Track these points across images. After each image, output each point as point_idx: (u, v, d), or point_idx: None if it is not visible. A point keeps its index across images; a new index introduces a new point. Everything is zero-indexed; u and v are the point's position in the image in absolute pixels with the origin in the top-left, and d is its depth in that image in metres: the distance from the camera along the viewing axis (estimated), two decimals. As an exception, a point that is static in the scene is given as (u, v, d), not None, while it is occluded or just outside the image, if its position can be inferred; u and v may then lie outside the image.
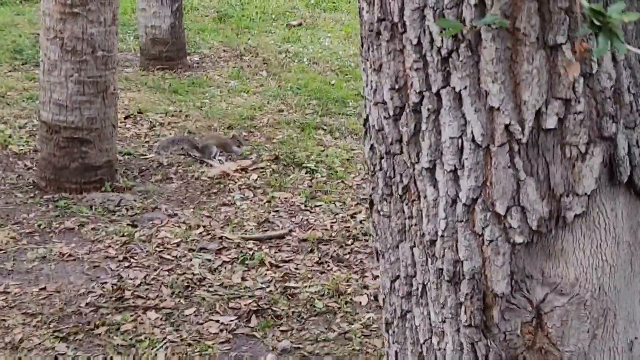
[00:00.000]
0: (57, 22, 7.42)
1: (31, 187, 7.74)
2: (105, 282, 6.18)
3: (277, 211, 7.42)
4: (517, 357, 2.72)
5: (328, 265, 6.54)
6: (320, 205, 7.51)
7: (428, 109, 2.66)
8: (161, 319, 5.78)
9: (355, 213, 7.36)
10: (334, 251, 6.73)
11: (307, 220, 7.25)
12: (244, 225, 7.11)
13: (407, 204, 2.82)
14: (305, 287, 6.19)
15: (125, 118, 9.40)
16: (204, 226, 7.05)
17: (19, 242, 6.69)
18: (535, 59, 2.50)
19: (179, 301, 5.98)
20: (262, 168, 8.25)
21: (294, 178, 8.05)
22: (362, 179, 8.09)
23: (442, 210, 2.71)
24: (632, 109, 2.61)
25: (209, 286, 6.17)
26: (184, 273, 6.33)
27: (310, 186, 7.90)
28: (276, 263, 6.52)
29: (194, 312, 5.87)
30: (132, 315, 5.78)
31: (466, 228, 2.67)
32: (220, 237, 6.89)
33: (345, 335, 5.72)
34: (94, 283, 6.17)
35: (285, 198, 7.66)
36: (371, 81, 2.82)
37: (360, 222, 7.19)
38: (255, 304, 5.95)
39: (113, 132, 7.84)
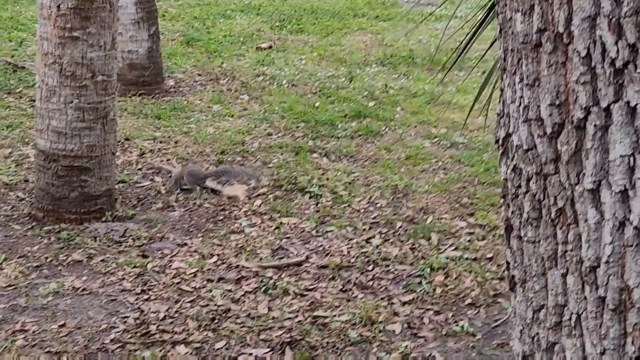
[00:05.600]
0: (56, 47, 7.12)
1: (28, 218, 7.40)
2: (127, 317, 5.90)
3: (288, 237, 7.19)
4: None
5: (353, 293, 6.31)
6: (332, 231, 7.28)
7: (595, 125, 2.47)
8: (192, 353, 5.52)
9: (369, 238, 7.14)
10: (356, 278, 6.51)
11: (321, 246, 7.02)
12: (258, 253, 6.87)
13: (560, 228, 2.63)
14: (335, 316, 5.97)
15: (113, 145, 9.09)
16: (217, 255, 6.80)
17: (28, 276, 6.39)
18: None
19: (207, 334, 5.72)
20: (264, 194, 8.01)
21: (299, 203, 7.82)
22: (368, 203, 7.89)
23: (607, 234, 2.51)
24: None
25: (236, 317, 5.92)
26: (207, 305, 6.07)
27: (318, 211, 7.67)
28: (300, 292, 6.28)
29: (225, 345, 5.62)
30: (161, 351, 5.51)
31: (636, 253, 2.49)
32: (237, 266, 6.63)
33: (386, 365, 5.51)
34: (114, 318, 5.88)
35: (294, 224, 7.43)
36: (521, 97, 2.62)
37: (377, 247, 6.98)
38: (287, 335, 5.71)
39: (112, 160, 7.56)
